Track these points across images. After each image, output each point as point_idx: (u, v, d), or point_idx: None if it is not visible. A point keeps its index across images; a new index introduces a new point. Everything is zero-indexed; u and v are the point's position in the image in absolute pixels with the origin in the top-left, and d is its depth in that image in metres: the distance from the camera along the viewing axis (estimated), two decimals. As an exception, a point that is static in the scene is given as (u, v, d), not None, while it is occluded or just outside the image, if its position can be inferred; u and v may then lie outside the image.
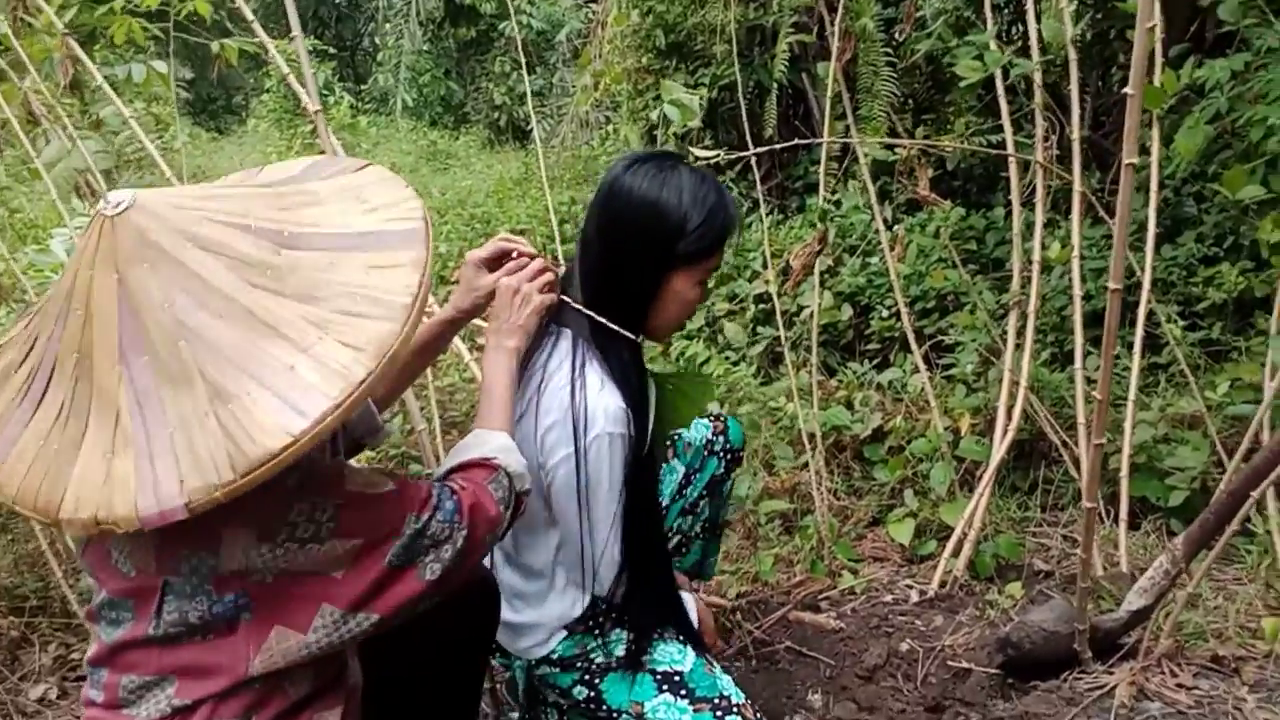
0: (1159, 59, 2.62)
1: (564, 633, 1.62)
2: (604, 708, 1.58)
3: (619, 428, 1.48)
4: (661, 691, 1.55)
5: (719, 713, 1.52)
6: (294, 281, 1.03)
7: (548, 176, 5.56)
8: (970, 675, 2.03)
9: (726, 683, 1.58)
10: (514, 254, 1.53)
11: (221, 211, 1.06)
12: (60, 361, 1.04)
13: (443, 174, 9.85)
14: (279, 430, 0.96)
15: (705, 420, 1.94)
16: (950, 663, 2.09)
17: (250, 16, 2.17)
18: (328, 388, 0.98)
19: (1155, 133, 2.67)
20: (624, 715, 1.56)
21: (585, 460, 1.49)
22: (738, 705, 1.54)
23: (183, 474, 0.95)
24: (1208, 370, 3.01)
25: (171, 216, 1.03)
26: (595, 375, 1.51)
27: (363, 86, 14.66)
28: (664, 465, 1.92)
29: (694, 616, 1.73)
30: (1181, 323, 3.20)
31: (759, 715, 1.59)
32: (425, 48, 13.60)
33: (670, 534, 1.91)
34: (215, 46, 2.76)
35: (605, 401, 1.48)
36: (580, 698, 1.61)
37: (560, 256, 3.24)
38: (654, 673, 1.57)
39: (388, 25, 13.67)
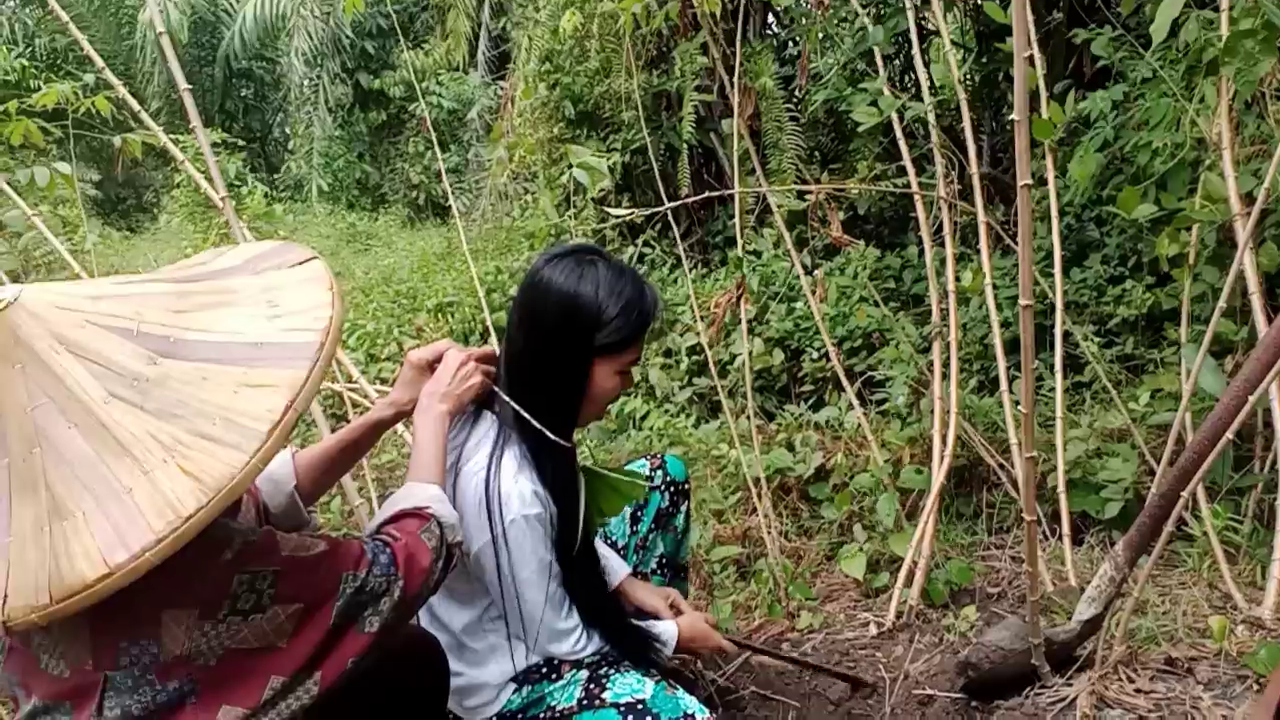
0: (1044, 94, 2.78)
1: (513, 685, 1.64)
2: None
3: (534, 509, 1.53)
4: None
5: None
6: (158, 396, 0.98)
7: (471, 249, 5.57)
8: (935, 701, 2.04)
9: (689, 701, 1.59)
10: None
11: (108, 314, 1.01)
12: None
13: (364, 254, 9.79)
14: (98, 559, 0.92)
15: (642, 459, 2.02)
16: (915, 691, 2.09)
17: (139, 110, 2.16)
18: (154, 519, 0.93)
19: (1050, 163, 2.81)
20: None
21: (506, 544, 1.53)
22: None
23: (8, 589, 0.94)
24: (1128, 384, 3.14)
25: (52, 318, 0.98)
26: (512, 459, 1.55)
27: (276, 175, 14.57)
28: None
29: (670, 645, 1.76)
30: (1098, 341, 3.33)
31: None
32: (337, 133, 13.60)
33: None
34: (117, 141, 2.74)
35: (520, 486, 1.53)
36: None
37: (490, 325, 3.25)
38: (616, 705, 1.57)
39: (297, 114, 13.66)
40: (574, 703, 1.60)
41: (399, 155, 13.30)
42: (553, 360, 1.54)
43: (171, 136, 2.73)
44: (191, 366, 1.01)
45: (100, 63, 2.22)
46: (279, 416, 0.99)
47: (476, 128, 11.30)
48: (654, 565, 2.03)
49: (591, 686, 1.60)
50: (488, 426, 1.60)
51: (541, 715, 1.62)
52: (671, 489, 2.01)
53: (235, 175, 10.25)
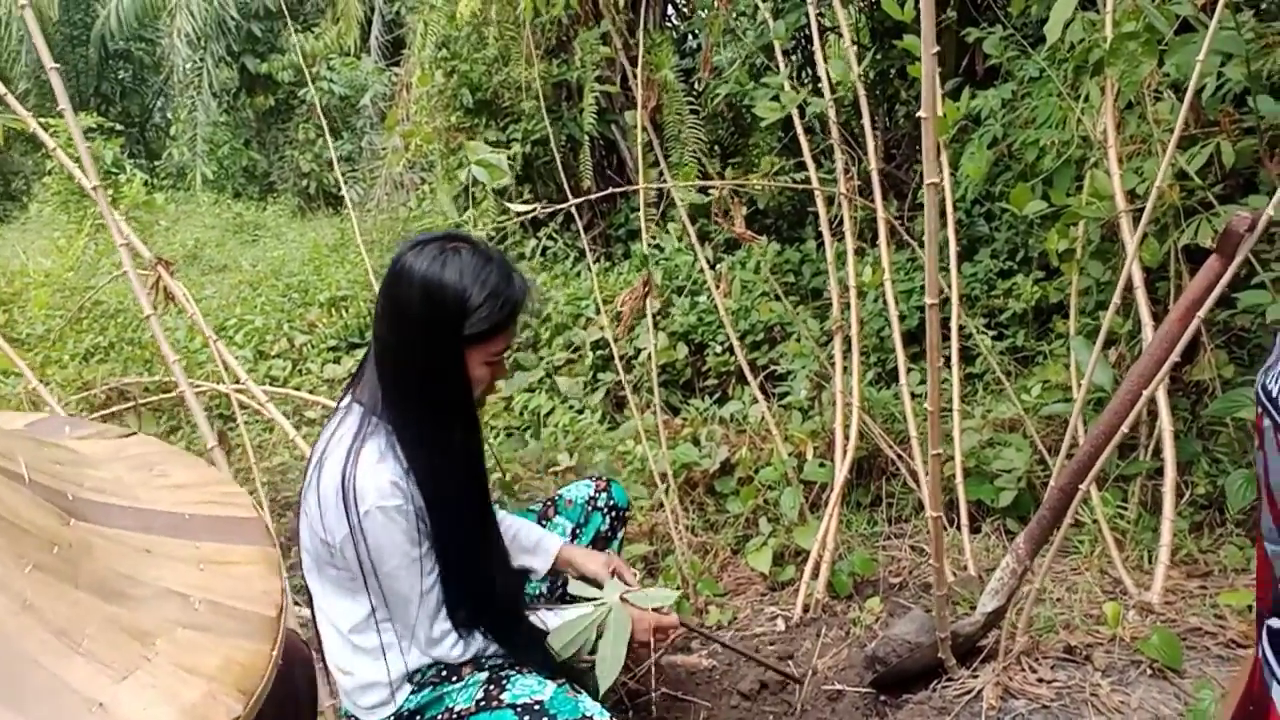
0: (939, 92, 2.82)
1: (411, 686, 1.61)
2: None
3: (392, 500, 1.49)
4: None
5: None
6: (90, 570, 0.70)
7: (365, 240, 5.39)
8: (844, 696, 2.06)
9: (589, 704, 1.56)
10: None
11: None
12: None
13: (252, 245, 9.41)
14: None
15: (587, 480, 2.05)
16: (824, 686, 2.11)
17: (3, 92, 1.99)
18: None
19: (944, 159, 2.86)
20: None
21: (364, 536, 1.49)
22: None
23: None
24: (1018, 375, 3.23)
25: None
26: (374, 449, 1.51)
27: (157, 162, 13.86)
28: (547, 522, 2.00)
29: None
30: (989, 333, 3.42)
31: None
32: (222, 118, 13.03)
33: (556, 590, 1.98)
34: (-22, 127, 2.52)
35: (378, 478, 1.48)
36: None
37: (378, 331, 3.13)
38: (513, 706, 1.55)
39: (180, 98, 13.02)
40: (472, 704, 1.58)
41: (288, 142, 12.82)
42: (420, 351, 1.50)
43: (41, 120, 2.53)
44: (115, 533, 0.76)
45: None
46: (280, 598, 0.79)
47: (370, 115, 10.97)
48: None
49: (491, 688, 1.59)
50: (354, 418, 1.55)
51: (440, 716, 1.59)
52: (612, 514, 2.06)
53: (112, 162, 9.72)
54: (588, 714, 1.53)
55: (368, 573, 1.52)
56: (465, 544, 1.60)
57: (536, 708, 1.53)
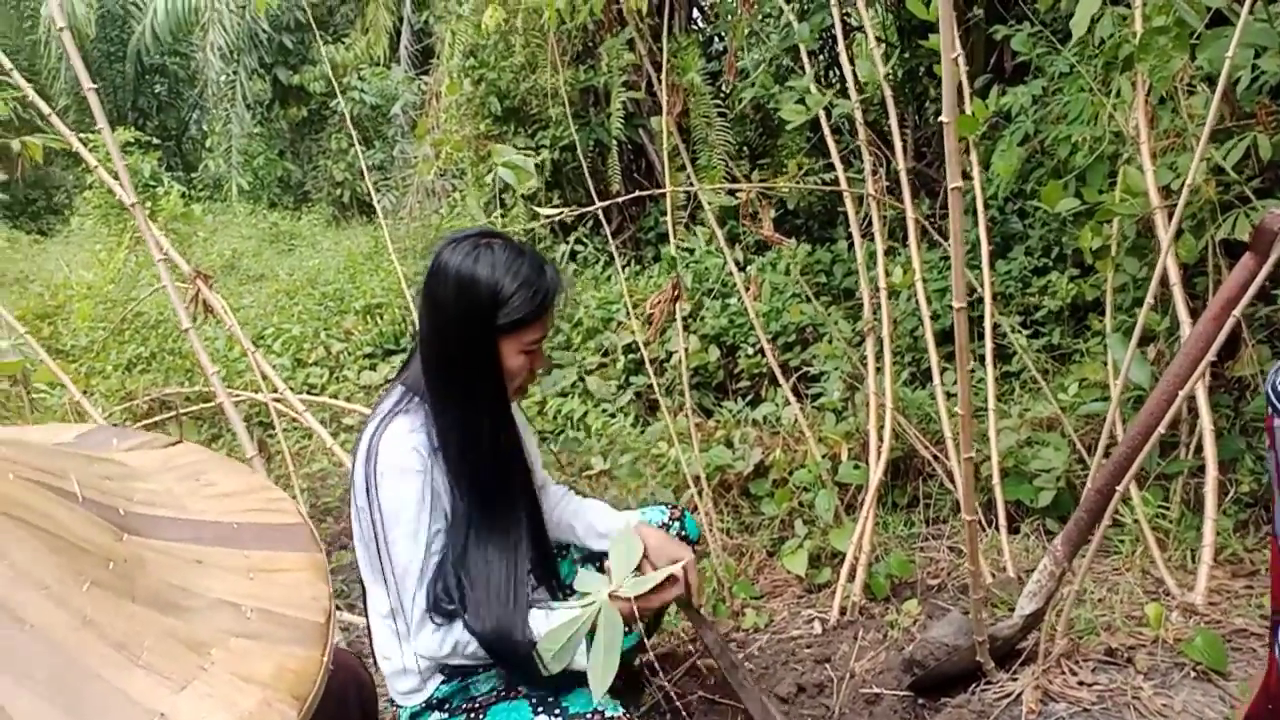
0: (967, 90, 2.81)
1: (441, 676, 1.63)
2: None
3: (408, 462, 1.54)
4: (537, 713, 1.58)
5: None
6: (145, 583, 0.72)
7: (398, 248, 5.45)
8: (882, 700, 2.05)
9: (605, 700, 1.58)
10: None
11: (31, 466, 0.73)
12: None
13: (288, 255, 9.55)
14: None
15: (662, 506, 2.03)
16: (861, 690, 2.10)
17: (47, 110, 2.05)
18: None
19: (974, 157, 2.84)
20: None
21: (377, 495, 1.54)
22: (611, 717, 1.56)
23: None
24: (1055, 374, 3.20)
25: None
26: (406, 422, 1.58)
27: (193, 174, 14.11)
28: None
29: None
30: (1024, 332, 3.39)
31: None
32: (256, 130, 13.23)
33: None
34: (16, 145, 2.59)
35: (401, 442, 1.54)
36: None
37: (419, 323, 3.17)
38: (529, 698, 1.59)
39: (214, 110, 13.23)
40: (492, 694, 1.62)
41: (321, 152, 12.99)
42: (456, 342, 1.57)
43: (81, 136, 2.59)
44: (166, 545, 0.77)
45: (7, 63, 2.09)
46: (328, 604, 0.80)
47: (401, 124, 11.08)
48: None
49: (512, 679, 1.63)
50: (396, 394, 1.63)
51: (464, 705, 1.63)
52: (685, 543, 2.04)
53: (150, 175, 9.91)
54: (599, 709, 1.56)
55: (380, 541, 1.56)
56: (480, 530, 1.62)
57: (551, 700, 1.58)
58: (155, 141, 12.29)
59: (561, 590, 1.85)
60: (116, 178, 1.89)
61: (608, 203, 2.58)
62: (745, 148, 5.65)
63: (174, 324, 5.70)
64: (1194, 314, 2.34)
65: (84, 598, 0.66)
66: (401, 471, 1.53)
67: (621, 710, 1.58)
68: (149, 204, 8.79)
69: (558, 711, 1.57)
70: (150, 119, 15.15)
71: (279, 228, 10.94)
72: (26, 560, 0.65)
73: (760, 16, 4.73)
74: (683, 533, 2.04)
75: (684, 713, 2.14)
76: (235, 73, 12.73)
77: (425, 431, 1.58)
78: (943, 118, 1.43)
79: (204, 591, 0.75)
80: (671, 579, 1.65)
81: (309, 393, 4.66)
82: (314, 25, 4.96)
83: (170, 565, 0.75)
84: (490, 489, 1.62)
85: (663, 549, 1.81)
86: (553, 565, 1.85)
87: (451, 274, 1.54)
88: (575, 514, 1.96)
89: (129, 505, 0.77)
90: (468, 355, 1.57)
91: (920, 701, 2.00)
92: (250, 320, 5.93)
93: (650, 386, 3.60)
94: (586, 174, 3.08)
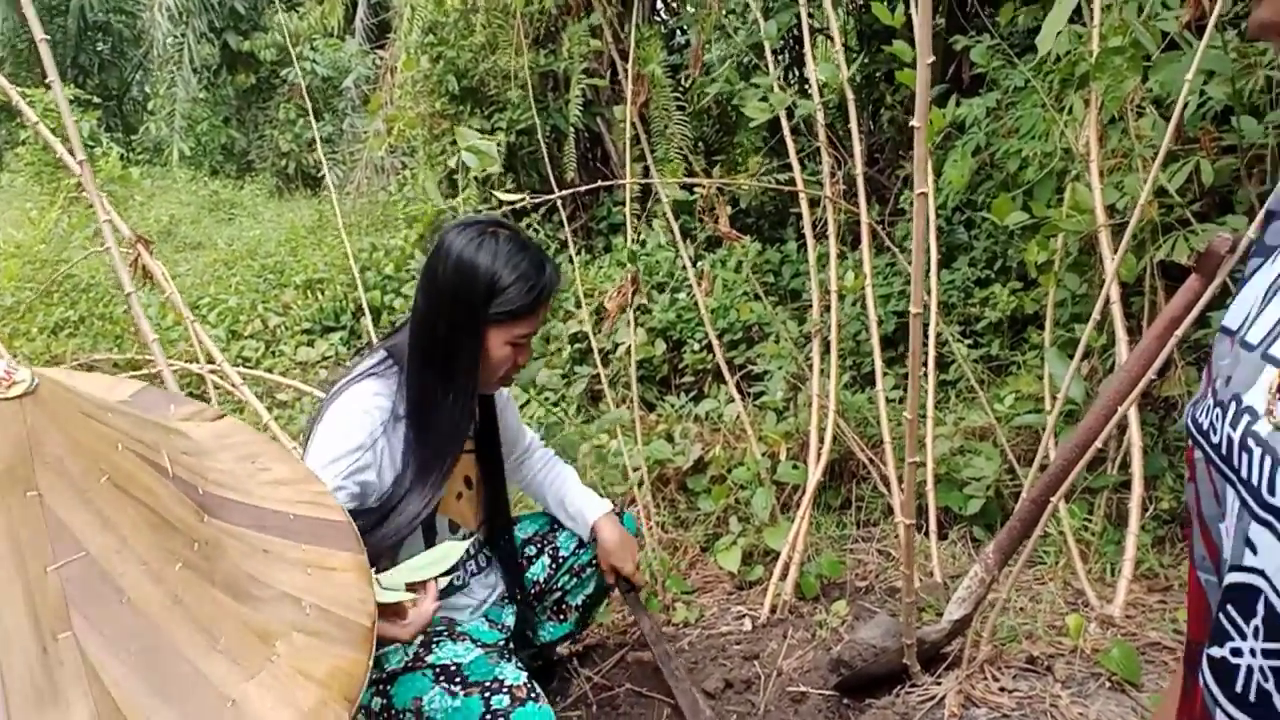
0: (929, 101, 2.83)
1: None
2: (393, 711, 1.65)
3: (366, 404, 1.57)
4: (437, 682, 1.62)
5: (486, 694, 1.57)
6: (224, 568, 0.70)
7: (345, 223, 5.33)
8: (808, 699, 2.06)
9: (507, 669, 1.62)
10: None
11: (131, 438, 0.69)
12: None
13: (228, 224, 9.32)
14: None
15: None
16: (788, 688, 2.11)
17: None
18: None
19: (928, 166, 2.87)
20: (407, 714, 1.62)
21: (321, 417, 1.58)
22: (510, 686, 1.58)
23: None
24: (991, 384, 3.25)
25: (79, 428, 0.65)
26: (378, 384, 1.61)
27: (133, 137, 13.66)
28: (556, 532, 2.07)
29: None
30: (965, 341, 3.44)
31: (535, 695, 1.59)
32: (202, 95, 12.85)
33: (553, 589, 2.05)
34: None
35: (363, 393, 1.59)
36: (377, 708, 1.66)
37: (364, 304, 3.10)
38: (433, 667, 1.64)
39: (159, 73, 12.83)
40: (400, 665, 1.66)
41: (268, 122, 12.67)
42: (444, 320, 1.60)
43: (19, 90, 2.48)
44: (240, 531, 0.75)
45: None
46: (373, 608, 0.79)
47: (352, 97, 10.86)
48: (579, 602, 2.09)
49: (420, 650, 1.67)
50: (375, 358, 1.67)
51: (373, 677, 1.66)
52: None
53: (89, 135, 9.56)
54: (499, 677, 1.60)
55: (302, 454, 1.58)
56: (406, 503, 1.61)
57: (453, 668, 1.62)
58: (95, 100, 11.87)
59: (515, 557, 1.98)
60: (58, 135, 1.81)
61: (570, 191, 2.57)
62: (702, 143, 5.65)
63: (105, 288, 5.51)
64: (1130, 332, 2.39)
65: (176, 576, 0.65)
66: (354, 411, 1.57)
67: (523, 680, 1.61)
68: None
69: (458, 680, 1.61)
70: (91, 77, 14.64)
71: (220, 196, 10.67)
72: (131, 534, 0.64)
73: (726, 12, 4.72)
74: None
75: (610, 705, 2.13)
76: (183, 35, 12.34)
77: (390, 399, 1.61)
78: (914, 122, 1.43)
79: (272, 582, 0.73)
80: (403, 610, 1.26)
81: (244, 365, 4.54)
82: (268, -11, 4.82)
83: (243, 552, 0.73)
84: (428, 459, 1.63)
85: (612, 553, 1.98)
86: (508, 525, 1.95)
87: (453, 257, 1.58)
88: (548, 484, 2.06)
89: (205, 484, 0.75)
90: (452, 337, 1.60)
91: (845, 701, 2.01)
92: (186, 289, 5.77)
93: (595, 377, 3.57)
94: (544, 159, 3.05)
